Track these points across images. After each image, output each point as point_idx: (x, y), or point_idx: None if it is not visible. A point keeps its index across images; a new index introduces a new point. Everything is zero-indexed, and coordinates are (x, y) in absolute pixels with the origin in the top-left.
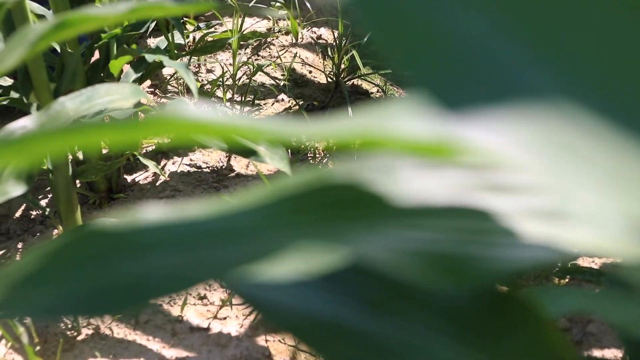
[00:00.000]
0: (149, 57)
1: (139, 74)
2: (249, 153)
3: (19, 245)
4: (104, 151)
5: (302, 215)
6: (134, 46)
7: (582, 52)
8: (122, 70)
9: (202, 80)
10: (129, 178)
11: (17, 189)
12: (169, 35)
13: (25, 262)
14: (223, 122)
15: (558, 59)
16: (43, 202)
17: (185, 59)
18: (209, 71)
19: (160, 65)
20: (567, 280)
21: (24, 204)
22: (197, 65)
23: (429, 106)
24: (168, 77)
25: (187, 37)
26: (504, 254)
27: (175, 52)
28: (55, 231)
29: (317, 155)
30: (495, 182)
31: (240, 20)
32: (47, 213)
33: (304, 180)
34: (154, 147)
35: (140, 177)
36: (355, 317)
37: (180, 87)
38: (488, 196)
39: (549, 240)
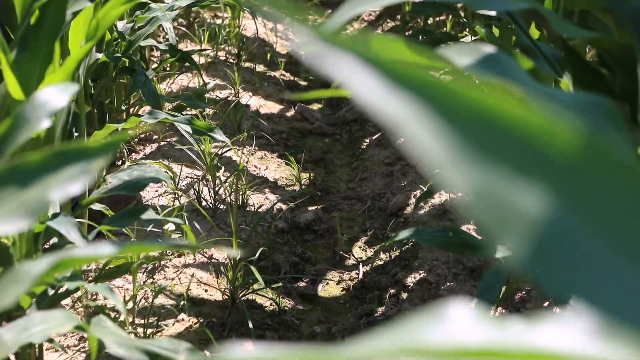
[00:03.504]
0: (71, 285)
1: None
2: None
3: None
4: None
5: None
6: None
7: None
8: (31, 303)
9: (104, 304)
10: None
11: None
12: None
13: None
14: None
15: (633, 249)
16: None
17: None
18: (106, 297)
19: (66, 293)
20: None
21: None
22: (94, 293)
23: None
24: (67, 306)
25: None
26: None
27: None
28: None
29: None
30: None
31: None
32: None
33: None
34: None
35: None
36: None
37: (83, 313)
38: None
39: None
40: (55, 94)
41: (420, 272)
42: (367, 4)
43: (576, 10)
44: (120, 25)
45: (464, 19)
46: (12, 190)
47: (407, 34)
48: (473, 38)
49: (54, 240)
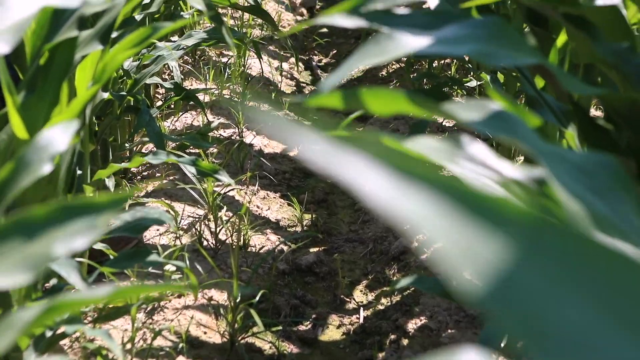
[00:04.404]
0: (69, 329)
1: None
2: None
3: None
4: None
5: None
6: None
7: None
8: (29, 344)
9: (102, 345)
10: None
11: None
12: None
13: None
14: None
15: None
16: None
17: (90, 326)
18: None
19: (64, 334)
20: None
21: None
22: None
23: None
24: (65, 346)
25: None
26: None
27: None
28: None
29: None
30: None
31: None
32: None
33: None
34: None
35: None
36: None
37: (81, 354)
38: None
39: None
40: (58, 134)
41: (422, 318)
42: (372, 58)
43: (581, 64)
44: (126, 63)
45: (469, 64)
46: (16, 243)
47: (411, 76)
48: (477, 83)
49: (55, 280)
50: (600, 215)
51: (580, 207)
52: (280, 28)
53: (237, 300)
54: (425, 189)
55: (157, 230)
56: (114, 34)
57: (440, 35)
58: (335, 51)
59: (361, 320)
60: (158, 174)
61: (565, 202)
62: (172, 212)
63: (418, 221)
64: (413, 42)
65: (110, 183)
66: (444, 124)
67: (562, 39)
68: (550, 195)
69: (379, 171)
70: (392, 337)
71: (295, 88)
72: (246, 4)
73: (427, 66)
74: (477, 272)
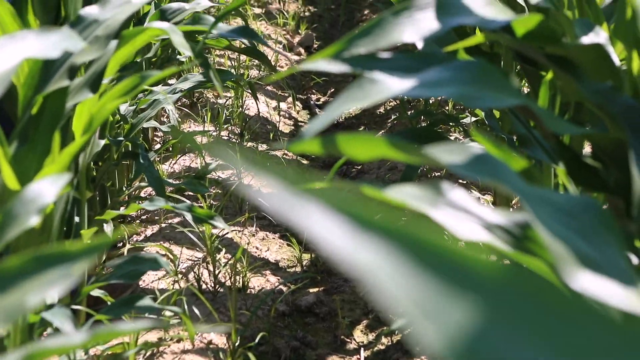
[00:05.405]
0: None
1: None
2: None
3: None
4: None
5: None
6: None
7: None
8: None
9: None
10: None
11: None
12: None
13: None
14: None
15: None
16: None
17: None
18: None
19: None
20: None
21: None
22: None
23: None
24: None
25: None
26: None
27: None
28: None
29: None
30: None
31: (135, 336)
32: None
33: None
34: None
35: None
36: None
37: None
38: None
39: None
40: (46, 186)
41: (422, 357)
42: (355, 102)
43: (572, 102)
44: (123, 108)
45: None
46: None
47: (409, 113)
48: (473, 119)
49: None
50: (585, 257)
51: (564, 248)
52: (277, 68)
53: (236, 344)
54: (382, 239)
55: (156, 274)
56: (110, 80)
57: (422, 78)
58: (333, 89)
59: None
60: (157, 217)
61: (549, 244)
62: (170, 255)
63: (372, 273)
64: (395, 86)
65: (108, 228)
66: None
67: (551, 75)
68: (534, 239)
69: (335, 220)
70: None
71: (293, 127)
72: (242, 46)
73: (423, 103)
74: (440, 331)
